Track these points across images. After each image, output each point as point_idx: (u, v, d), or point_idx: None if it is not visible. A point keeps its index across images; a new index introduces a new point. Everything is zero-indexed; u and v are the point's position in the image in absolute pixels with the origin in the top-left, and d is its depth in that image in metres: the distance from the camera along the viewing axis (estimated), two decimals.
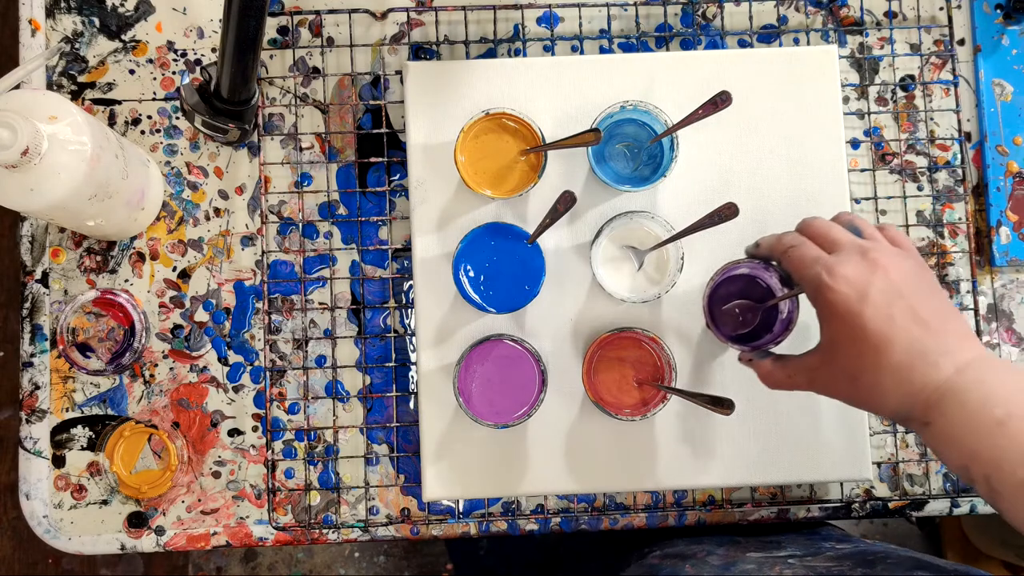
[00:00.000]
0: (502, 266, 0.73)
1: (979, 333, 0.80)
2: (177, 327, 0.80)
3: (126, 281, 0.80)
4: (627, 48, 0.82)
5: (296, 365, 0.79)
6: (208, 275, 0.80)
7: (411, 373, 0.79)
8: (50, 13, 0.81)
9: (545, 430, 0.76)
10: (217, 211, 0.81)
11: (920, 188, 0.82)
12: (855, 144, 0.82)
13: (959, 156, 0.82)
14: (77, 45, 0.81)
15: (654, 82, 0.78)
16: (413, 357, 0.79)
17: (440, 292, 0.76)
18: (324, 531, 0.78)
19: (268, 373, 0.79)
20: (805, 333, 0.75)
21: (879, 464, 0.80)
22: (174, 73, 0.82)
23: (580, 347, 0.76)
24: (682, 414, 0.76)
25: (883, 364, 0.58)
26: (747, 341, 0.72)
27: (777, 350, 0.71)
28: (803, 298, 0.71)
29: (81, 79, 0.81)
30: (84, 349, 0.76)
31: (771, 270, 0.71)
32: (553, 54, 0.82)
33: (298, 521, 0.78)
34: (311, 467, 0.79)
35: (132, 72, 0.81)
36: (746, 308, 0.73)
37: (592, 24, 0.83)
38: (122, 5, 0.82)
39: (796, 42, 0.83)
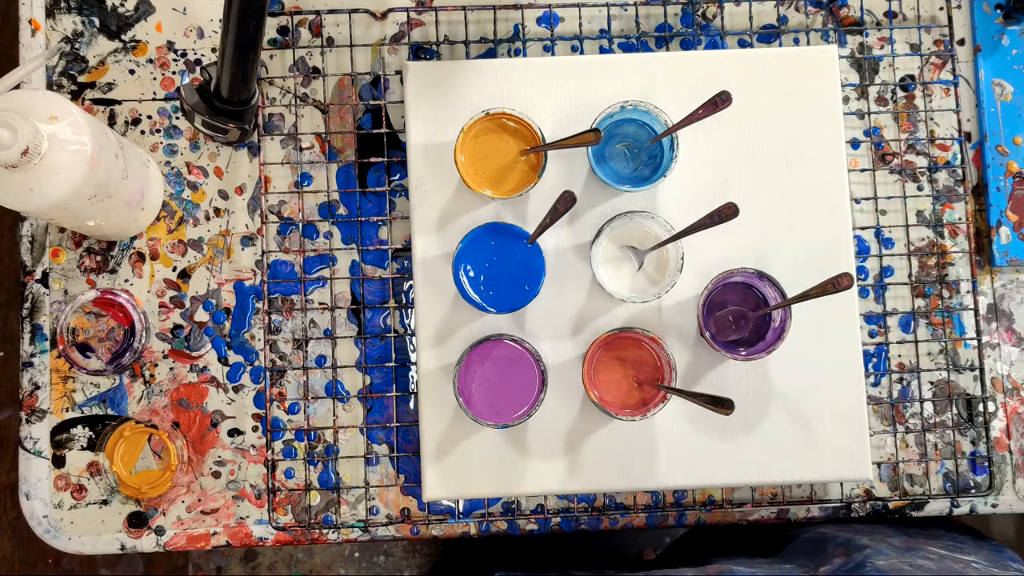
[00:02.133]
0: (502, 266, 0.73)
1: (979, 333, 0.80)
2: (177, 327, 0.80)
3: (126, 281, 0.80)
4: (627, 48, 0.82)
5: (296, 365, 0.79)
6: (208, 275, 0.80)
7: (411, 373, 0.79)
8: (50, 13, 0.81)
9: (545, 430, 0.76)
10: (217, 211, 0.81)
11: (920, 188, 0.82)
12: (855, 144, 0.82)
13: (959, 156, 0.82)
14: (77, 45, 0.81)
15: (654, 82, 0.78)
16: (413, 357, 0.79)
17: (440, 292, 0.76)
18: (324, 531, 0.78)
19: (268, 373, 0.79)
20: (802, 342, 0.75)
21: (879, 464, 0.80)
22: (174, 73, 0.82)
23: (580, 347, 0.76)
24: (682, 414, 0.76)
25: None
26: (740, 348, 0.73)
27: (770, 359, 0.71)
28: (796, 308, 0.72)
29: (81, 79, 0.81)
30: (84, 349, 0.76)
31: (765, 279, 0.71)
32: (553, 54, 0.82)
33: (298, 521, 0.78)
34: (311, 467, 0.79)
35: (132, 72, 0.81)
36: (739, 315, 0.74)
37: (592, 24, 0.83)
38: (122, 5, 0.82)
39: (796, 42, 0.83)
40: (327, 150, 0.81)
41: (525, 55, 0.82)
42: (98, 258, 0.80)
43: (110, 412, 0.79)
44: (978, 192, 0.83)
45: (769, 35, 0.83)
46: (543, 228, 0.70)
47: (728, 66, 0.78)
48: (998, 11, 0.83)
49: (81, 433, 0.79)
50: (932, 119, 0.83)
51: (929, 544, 0.75)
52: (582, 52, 0.82)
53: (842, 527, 0.81)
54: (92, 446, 0.79)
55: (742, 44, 0.83)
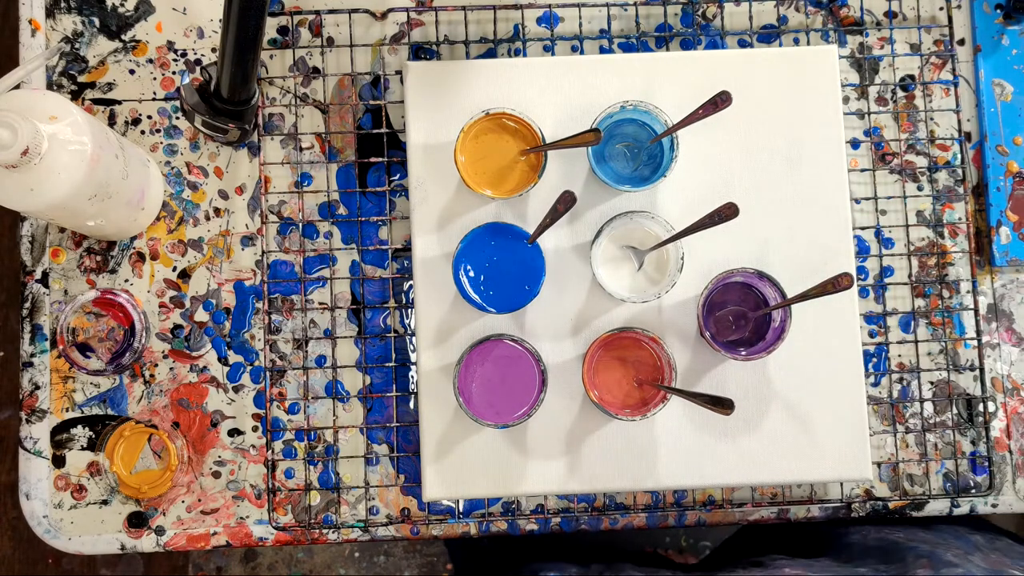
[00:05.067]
0: (502, 266, 0.73)
1: (979, 333, 0.80)
2: (177, 327, 0.80)
3: (126, 281, 0.80)
4: (627, 48, 0.82)
5: (296, 365, 0.79)
6: (208, 275, 0.80)
7: (411, 373, 0.79)
8: (50, 13, 0.81)
9: (545, 430, 0.76)
10: (217, 211, 0.81)
11: (920, 188, 0.82)
12: (855, 144, 0.82)
13: (959, 156, 0.82)
14: (77, 45, 0.81)
15: (654, 82, 0.78)
16: (413, 357, 0.79)
17: (440, 292, 0.76)
18: (324, 531, 0.78)
19: (268, 373, 0.79)
20: (802, 342, 0.75)
21: (879, 464, 0.80)
22: (174, 73, 0.82)
23: (580, 347, 0.76)
24: (682, 414, 0.76)
25: None
26: (740, 348, 0.73)
27: (770, 359, 0.71)
28: (796, 308, 0.72)
29: (81, 79, 0.81)
30: (84, 349, 0.76)
31: (765, 279, 0.71)
32: (553, 54, 0.82)
33: (298, 521, 0.78)
34: (311, 467, 0.79)
35: (132, 72, 0.81)
36: (739, 315, 0.74)
37: (592, 24, 0.83)
38: (122, 5, 0.82)
39: (796, 42, 0.83)
40: (327, 150, 0.81)
41: (525, 55, 0.82)
42: (98, 258, 0.80)
43: (110, 412, 0.79)
44: (978, 192, 0.83)
45: (769, 35, 0.83)
46: (543, 228, 0.70)
47: (728, 66, 0.78)
48: (998, 11, 0.83)
49: (81, 433, 0.79)
50: (932, 119, 0.83)
51: (1012, 566, 0.73)
52: (582, 52, 0.82)
53: (909, 532, 0.79)
54: (92, 446, 0.79)
55: (742, 44, 0.83)
